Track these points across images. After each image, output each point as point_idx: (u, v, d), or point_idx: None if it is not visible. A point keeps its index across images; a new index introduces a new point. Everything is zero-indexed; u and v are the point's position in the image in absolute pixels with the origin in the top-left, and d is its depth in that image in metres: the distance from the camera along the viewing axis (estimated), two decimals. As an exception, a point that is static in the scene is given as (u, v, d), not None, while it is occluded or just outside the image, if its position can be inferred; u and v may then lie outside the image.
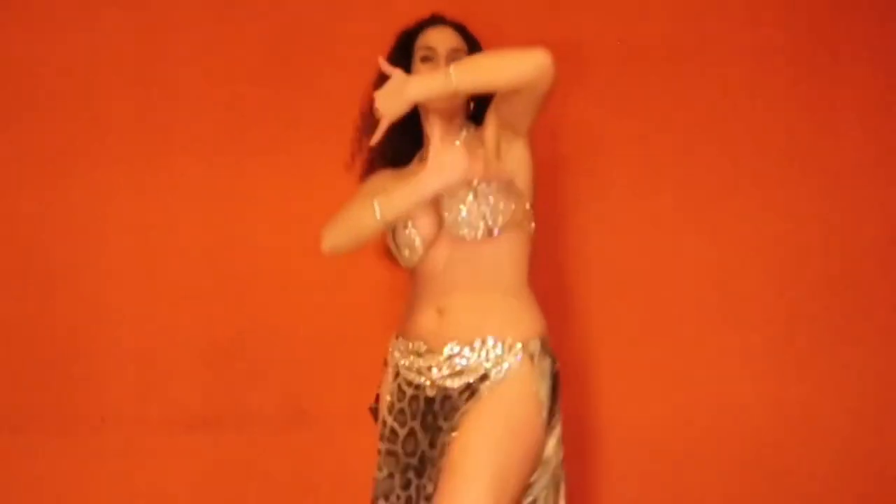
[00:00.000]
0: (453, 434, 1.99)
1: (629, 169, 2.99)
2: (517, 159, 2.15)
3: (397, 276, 2.86)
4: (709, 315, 2.95)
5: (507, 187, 2.09)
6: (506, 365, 2.02)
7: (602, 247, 2.98)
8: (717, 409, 2.92)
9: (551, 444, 2.06)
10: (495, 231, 2.06)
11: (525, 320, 2.09)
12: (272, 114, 2.99)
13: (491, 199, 2.05)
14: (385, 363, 2.26)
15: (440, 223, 2.11)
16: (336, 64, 2.97)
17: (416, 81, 2.05)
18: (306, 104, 2.99)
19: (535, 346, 2.05)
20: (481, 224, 2.05)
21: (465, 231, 2.06)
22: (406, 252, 2.15)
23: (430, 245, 2.12)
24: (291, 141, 2.98)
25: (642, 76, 2.97)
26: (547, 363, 2.06)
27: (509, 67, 2.00)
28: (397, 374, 2.15)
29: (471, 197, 2.05)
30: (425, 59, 2.20)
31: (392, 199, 2.06)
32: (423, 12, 2.93)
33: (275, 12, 3.00)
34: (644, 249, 2.98)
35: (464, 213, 2.05)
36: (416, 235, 2.12)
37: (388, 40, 2.94)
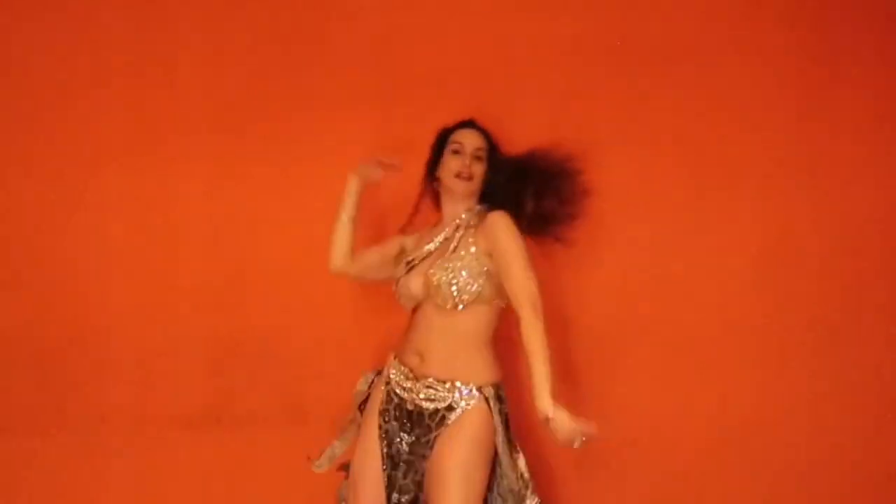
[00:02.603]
0: (427, 444, 2.55)
1: (627, 168, 2.99)
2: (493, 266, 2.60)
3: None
4: (711, 318, 2.98)
5: (479, 269, 2.56)
6: (467, 403, 2.55)
7: (602, 247, 3.00)
8: (720, 411, 2.96)
9: (521, 463, 2.59)
10: (459, 306, 2.55)
11: (485, 371, 2.59)
12: (273, 116, 3.01)
13: (464, 274, 2.55)
14: (380, 372, 2.71)
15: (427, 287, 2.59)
16: (336, 68, 3.00)
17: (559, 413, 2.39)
18: (308, 107, 3.01)
19: (489, 391, 2.57)
20: (450, 300, 2.55)
21: (439, 301, 2.56)
22: (402, 301, 2.68)
23: (417, 302, 2.63)
24: (292, 144, 3.02)
25: (641, 76, 2.98)
26: (498, 406, 2.58)
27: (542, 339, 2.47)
28: (388, 382, 2.66)
29: (446, 274, 2.55)
30: (455, 152, 2.68)
31: None
32: (422, 13, 2.96)
33: (276, 14, 3.01)
34: (642, 249, 3.00)
35: (442, 287, 2.54)
36: (408, 292, 2.62)
37: (386, 44, 2.99)
